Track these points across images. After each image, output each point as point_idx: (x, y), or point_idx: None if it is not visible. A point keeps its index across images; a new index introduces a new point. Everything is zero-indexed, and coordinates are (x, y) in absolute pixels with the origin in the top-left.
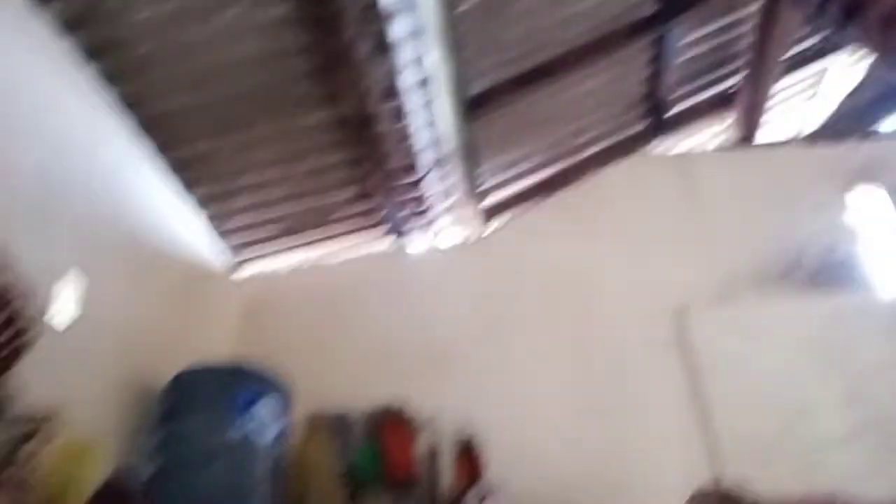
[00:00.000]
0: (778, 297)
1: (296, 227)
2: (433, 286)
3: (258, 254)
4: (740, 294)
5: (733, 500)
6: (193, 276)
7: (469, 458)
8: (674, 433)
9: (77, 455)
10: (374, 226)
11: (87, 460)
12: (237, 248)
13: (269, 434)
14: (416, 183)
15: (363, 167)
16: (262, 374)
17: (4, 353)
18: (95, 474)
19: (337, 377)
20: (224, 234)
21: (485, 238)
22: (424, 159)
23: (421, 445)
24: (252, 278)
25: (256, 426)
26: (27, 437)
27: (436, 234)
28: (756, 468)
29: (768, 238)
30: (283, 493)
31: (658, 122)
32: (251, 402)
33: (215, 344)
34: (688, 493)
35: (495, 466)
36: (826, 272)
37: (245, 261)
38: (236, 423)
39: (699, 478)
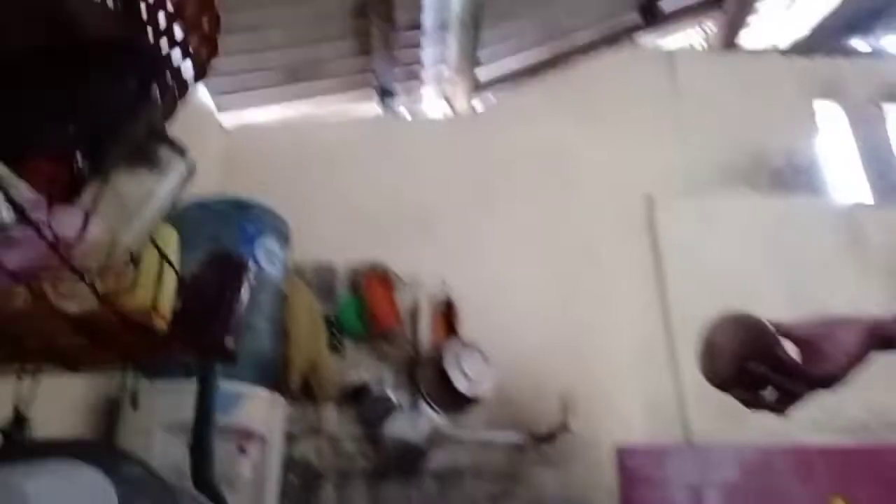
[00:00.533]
0: (740, 193)
1: (288, 78)
2: (419, 153)
3: (246, 102)
4: (706, 188)
5: (753, 325)
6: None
7: (446, 317)
8: (633, 309)
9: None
10: (367, 86)
11: (171, 243)
12: (225, 93)
13: (274, 269)
14: (416, 45)
15: (367, 18)
16: (264, 209)
17: None
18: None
19: (319, 232)
20: (214, 75)
21: (473, 112)
22: (429, 19)
23: (402, 302)
24: (238, 126)
25: (263, 259)
26: None
27: (426, 103)
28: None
29: (738, 138)
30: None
31: (649, 15)
32: (257, 235)
33: (197, 187)
34: (639, 361)
35: (469, 327)
36: (786, 175)
37: (232, 107)
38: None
39: (651, 349)
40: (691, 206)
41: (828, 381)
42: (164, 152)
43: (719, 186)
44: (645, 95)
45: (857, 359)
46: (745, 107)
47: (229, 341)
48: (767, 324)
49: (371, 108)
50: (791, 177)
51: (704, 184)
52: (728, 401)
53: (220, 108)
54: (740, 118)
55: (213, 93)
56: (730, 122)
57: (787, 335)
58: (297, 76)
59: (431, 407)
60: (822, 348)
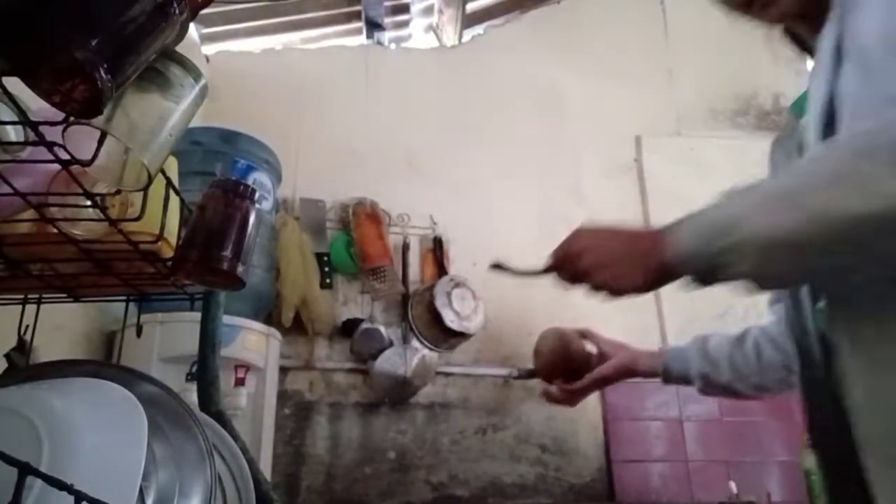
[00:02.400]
0: (727, 134)
1: (274, 11)
2: (407, 86)
3: (231, 35)
4: (694, 128)
5: (563, 334)
6: None
7: (435, 253)
8: None
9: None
10: (355, 19)
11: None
12: (209, 20)
13: (266, 204)
14: None
15: None
16: (254, 142)
17: None
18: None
19: (305, 167)
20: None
21: (461, 45)
22: None
23: (392, 239)
24: (222, 54)
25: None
26: None
27: (415, 36)
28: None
29: (726, 80)
30: (275, 267)
31: None
32: (248, 170)
33: None
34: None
35: (457, 264)
36: (773, 117)
37: (217, 40)
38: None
39: None
40: (678, 145)
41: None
42: (176, 73)
43: (707, 127)
44: (634, 34)
45: (610, 378)
46: (735, 48)
47: (238, 267)
48: (574, 334)
49: (359, 41)
50: (778, 118)
51: (692, 124)
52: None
53: (204, 41)
54: (729, 59)
55: (198, 25)
56: (719, 63)
57: (592, 339)
58: (283, 9)
59: (421, 342)
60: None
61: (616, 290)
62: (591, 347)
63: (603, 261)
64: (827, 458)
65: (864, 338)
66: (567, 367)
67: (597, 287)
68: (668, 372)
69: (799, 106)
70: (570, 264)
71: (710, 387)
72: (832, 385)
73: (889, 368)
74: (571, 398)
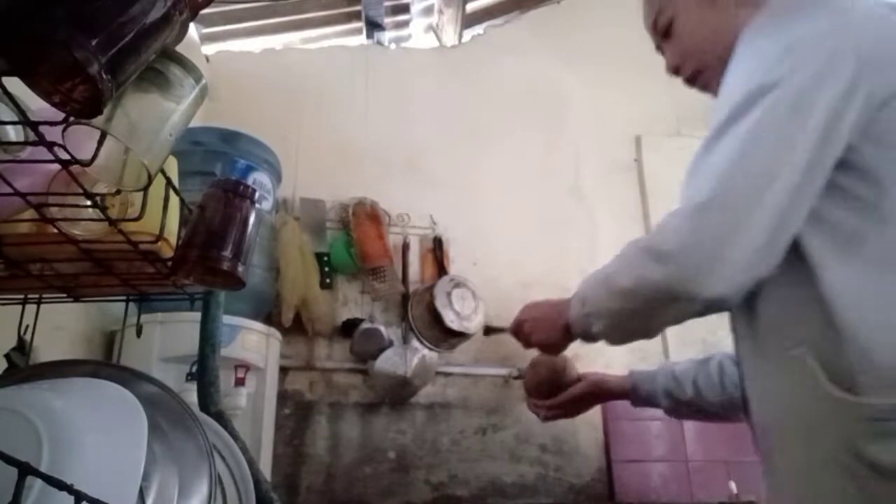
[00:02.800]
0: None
1: (274, 11)
2: (408, 86)
3: (231, 34)
4: (693, 128)
5: (558, 370)
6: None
7: (435, 253)
8: (619, 247)
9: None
10: (355, 19)
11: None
12: (209, 20)
13: (266, 204)
14: None
15: None
16: (254, 142)
17: None
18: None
19: (305, 167)
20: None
21: (461, 45)
22: None
23: (392, 239)
24: (222, 54)
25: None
26: None
27: (415, 36)
28: None
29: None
30: (275, 267)
31: None
32: (248, 170)
33: None
34: None
35: (457, 264)
36: None
37: (217, 40)
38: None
39: None
40: (678, 145)
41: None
42: (176, 73)
43: (707, 127)
44: (635, 34)
45: (583, 400)
46: None
47: (238, 267)
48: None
49: (359, 41)
50: None
51: (692, 124)
52: (708, 337)
53: (204, 41)
54: None
55: (198, 25)
56: None
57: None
58: (283, 9)
59: (421, 342)
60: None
61: (544, 347)
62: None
63: (535, 326)
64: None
65: (743, 335)
66: (559, 385)
67: (535, 345)
68: (637, 391)
69: None
70: (518, 330)
71: (676, 405)
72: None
73: (762, 360)
74: (555, 414)
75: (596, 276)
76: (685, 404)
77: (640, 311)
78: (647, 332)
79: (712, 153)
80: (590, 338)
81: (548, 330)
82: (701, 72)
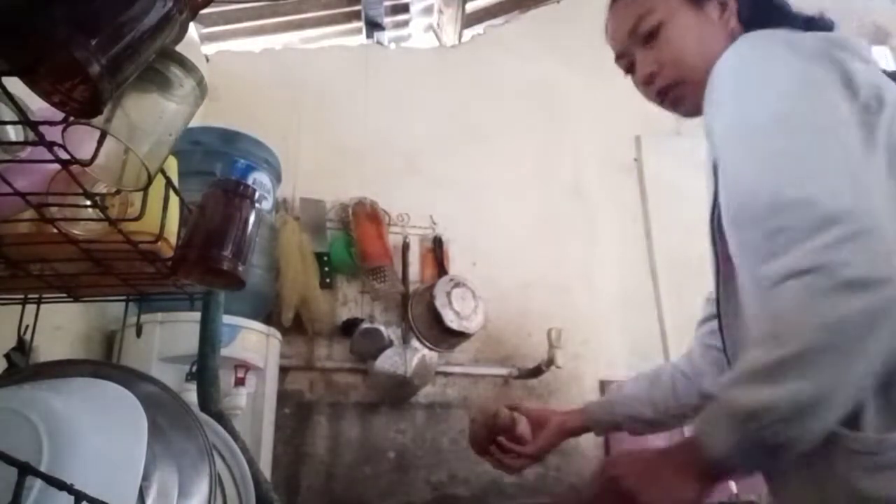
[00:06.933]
0: None
1: (273, 11)
2: (406, 87)
3: (231, 34)
4: (694, 127)
5: (501, 423)
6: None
7: (435, 253)
8: (619, 247)
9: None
10: (354, 18)
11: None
12: (209, 20)
13: (266, 204)
14: None
15: None
16: (254, 142)
17: None
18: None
19: (305, 167)
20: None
21: (461, 44)
22: None
23: (392, 239)
24: (222, 54)
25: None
26: None
27: (414, 36)
28: (683, 280)
29: None
30: (275, 267)
31: None
32: (248, 170)
33: None
34: (624, 298)
35: (457, 264)
36: None
37: (216, 40)
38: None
39: (635, 286)
40: (678, 145)
41: (536, 456)
42: (176, 73)
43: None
44: None
45: (552, 444)
46: None
47: (238, 267)
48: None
49: (359, 41)
50: None
51: (692, 124)
52: None
53: (204, 41)
54: None
55: (198, 25)
56: None
57: (520, 410)
58: (283, 9)
59: (421, 342)
60: (538, 431)
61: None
62: (517, 416)
63: (646, 480)
64: None
65: None
66: (497, 431)
67: None
68: (598, 423)
69: None
70: (612, 490)
71: (638, 425)
72: None
73: None
74: (520, 462)
75: (740, 379)
76: (646, 423)
77: (854, 354)
78: (867, 372)
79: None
80: (755, 463)
81: (674, 478)
82: (677, 84)
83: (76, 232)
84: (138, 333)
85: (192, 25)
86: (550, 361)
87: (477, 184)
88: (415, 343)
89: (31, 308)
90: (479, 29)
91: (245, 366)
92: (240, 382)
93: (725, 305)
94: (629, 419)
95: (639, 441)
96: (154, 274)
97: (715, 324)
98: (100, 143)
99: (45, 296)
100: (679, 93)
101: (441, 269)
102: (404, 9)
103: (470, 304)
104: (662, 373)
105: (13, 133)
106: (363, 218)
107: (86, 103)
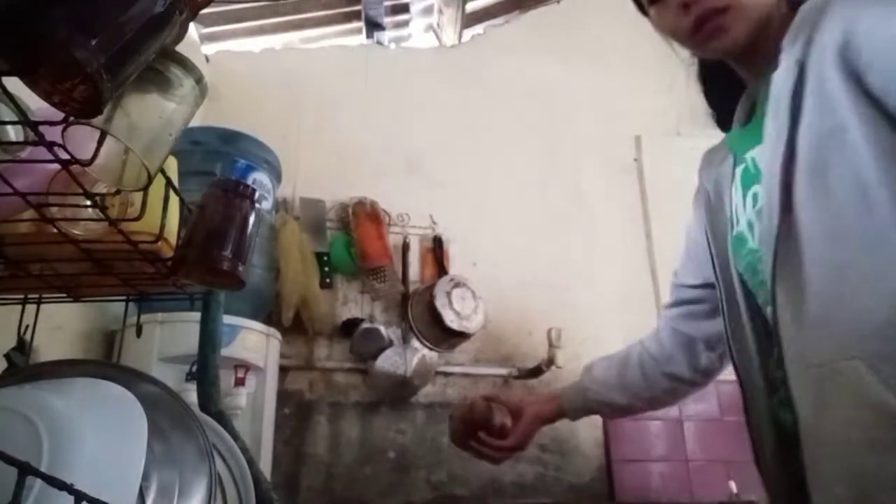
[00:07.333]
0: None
1: (273, 8)
2: (406, 87)
3: (231, 34)
4: (694, 127)
5: (477, 415)
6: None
7: (435, 253)
8: (619, 248)
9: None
10: (354, 18)
11: (173, 170)
12: (209, 20)
13: (266, 204)
14: None
15: None
16: (254, 142)
17: None
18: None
19: (305, 167)
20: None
21: (461, 45)
22: None
23: (392, 239)
24: (222, 54)
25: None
26: None
27: (415, 36)
28: None
29: None
30: (275, 267)
31: None
32: (248, 170)
33: None
34: (624, 298)
35: (457, 264)
36: None
37: (217, 39)
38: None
39: (635, 286)
40: (678, 145)
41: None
42: (176, 73)
43: (707, 127)
44: (634, 34)
45: (530, 434)
46: None
47: (238, 267)
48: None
49: (359, 41)
50: None
51: (692, 124)
52: None
53: (204, 41)
54: None
55: (198, 25)
56: None
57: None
58: (283, 9)
59: (421, 342)
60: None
61: None
62: (496, 407)
63: None
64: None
65: None
66: (475, 425)
67: None
68: (572, 409)
69: (735, 141)
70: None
71: (611, 410)
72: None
73: None
74: (500, 454)
75: None
76: (619, 407)
77: None
78: None
79: None
80: None
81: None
82: (726, 10)
83: (76, 232)
84: (138, 333)
85: (192, 25)
86: (550, 361)
87: (477, 184)
88: (415, 343)
89: (31, 308)
90: (479, 29)
91: (245, 366)
92: (240, 382)
93: (783, 268)
94: (602, 405)
95: (638, 427)
96: (154, 274)
97: (685, 309)
98: (100, 143)
99: (45, 296)
100: (722, 22)
101: (441, 269)
102: (404, 9)
103: (470, 304)
104: (631, 355)
105: (13, 133)
106: (363, 218)
107: (86, 103)
